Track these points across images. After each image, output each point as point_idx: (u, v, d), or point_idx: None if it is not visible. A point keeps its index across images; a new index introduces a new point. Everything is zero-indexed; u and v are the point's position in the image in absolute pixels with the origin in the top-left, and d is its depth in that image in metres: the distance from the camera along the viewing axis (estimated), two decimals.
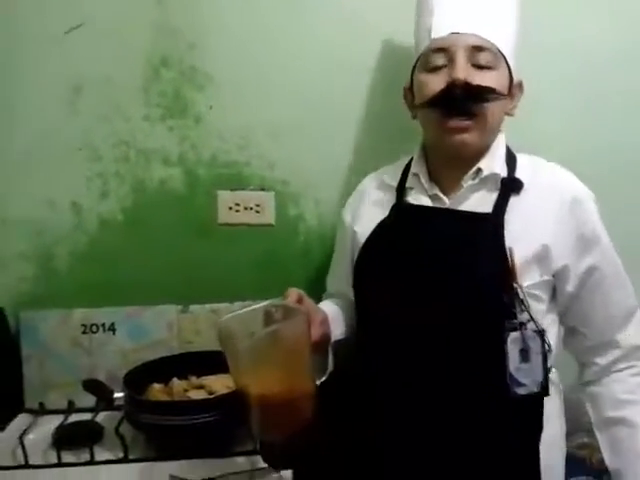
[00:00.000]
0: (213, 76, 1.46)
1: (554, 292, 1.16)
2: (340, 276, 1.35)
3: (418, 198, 1.20)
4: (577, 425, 1.34)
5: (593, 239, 1.14)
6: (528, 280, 1.10)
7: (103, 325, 1.52)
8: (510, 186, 1.14)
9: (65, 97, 1.46)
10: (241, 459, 1.25)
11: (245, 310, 1.08)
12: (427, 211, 1.18)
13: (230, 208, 1.51)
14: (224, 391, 1.34)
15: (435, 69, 1.13)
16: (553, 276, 1.13)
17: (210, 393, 1.35)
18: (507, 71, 1.15)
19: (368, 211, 1.27)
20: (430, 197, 1.19)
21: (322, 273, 1.46)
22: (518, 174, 1.15)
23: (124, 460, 1.27)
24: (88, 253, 1.52)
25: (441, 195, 1.17)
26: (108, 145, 1.48)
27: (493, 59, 1.12)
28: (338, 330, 1.28)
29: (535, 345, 1.09)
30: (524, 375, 1.09)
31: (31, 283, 1.53)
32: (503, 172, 1.15)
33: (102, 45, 1.45)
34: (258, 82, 1.47)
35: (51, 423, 1.38)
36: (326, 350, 1.21)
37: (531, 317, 1.08)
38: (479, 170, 1.15)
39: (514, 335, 1.08)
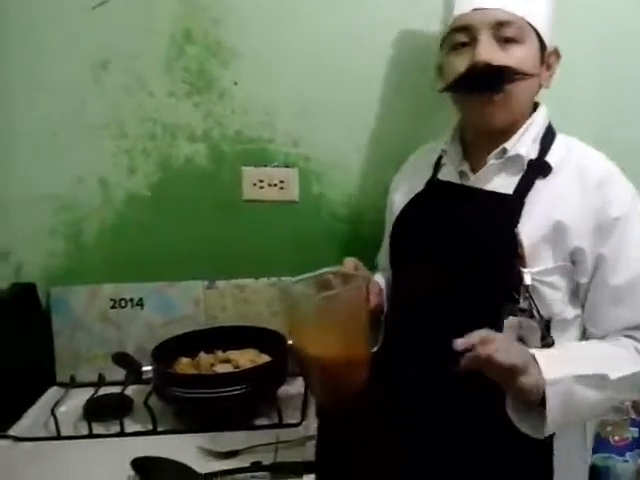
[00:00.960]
0: (238, 51, 1.46)
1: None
2: (385, 250, 1.35)
3: (448, 174, 1.20)
4: None
5: (612, 225, 1.07)
6: (541, 264, 1.06)
7: (131, 300, 1.54)
8: (537, 169, 1.10)
9: (92, 73, 1.47)
10: (266, 432, 1.28)
11: (305, 276, 1.11)
12: (451, 187, 1.17)
13: (254, 184, 1.52)
14: (249, 365, 1.37)
15: (458, 47, 1.10)
16: (573, 263, 1.08)
17: (236, 367, 1.37)
18: (538, 43, 1.10)
19: (407, 185, 1.28)
20: (459, 173, 1.18)
21: (345, 249, 1.47)
22: (550, 156, 1.11)
23: (153, 432, 1.30)
24: (116, 229, 1.54)
25: (468, 172, 1.16)
26: (134, 121, 1.49)
27: (520, 33, 1.07)
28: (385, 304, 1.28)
29: (533, 335, 1.05)
30: None
31: (61, 259, 1.56)
32: (532, 154, 1.11)
33: (128, 21, 1.45)
34: (283, 58, 1.46)
35: (82, 396, 1.41)
36: (379, 320, 1.22)
37: (533, 304, 1.04)
38: (504, 150, 1.11)
39: (512, 320, 1.04)
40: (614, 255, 1.07)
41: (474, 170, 1.15)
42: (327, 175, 1.52)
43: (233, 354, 1.43)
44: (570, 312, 1.10)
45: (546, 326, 1.06)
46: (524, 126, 1.13)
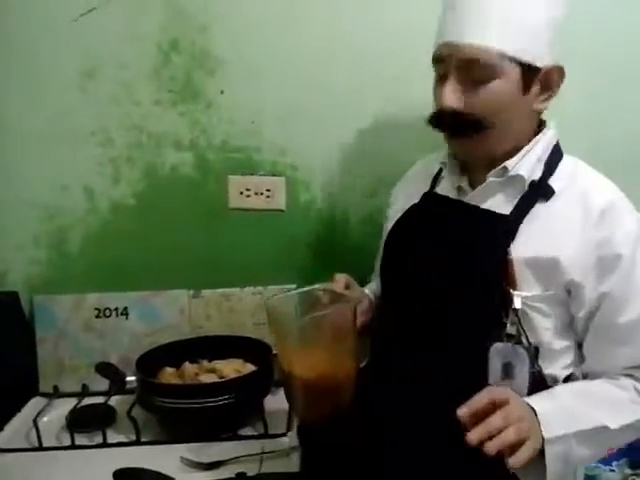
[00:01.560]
0: (224, 60, 1.46)
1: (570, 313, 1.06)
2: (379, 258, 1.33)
3: (446, 188, 1.17)
4: None
5: (616, 261, 1.01)
6: (532, 290, 1.02)
7: (116, 309, 1.53)
8: (538, 191, 1.05)
9: (77, 81, 1.46)
10: (251, 442, 1.26)
11: (293, 292, 1.13)
12: (447, 202, 1.15)
13: (241, 193, 1.51)
14: (234, 375, 1.36)
15: (438, 78, 1.07)
16: (569, 292, 1.03)
17: (221, 377, 1.36)
18: (519, 70, 1.01)
19: (404, 196, 1.26)
20: (457, 188, 1.14)
21: (331, 259, 1.46)
22: (554, 179, 1.06)
23: (136, 443, 1.28)
24: (101, 237, 1.53)
25: (466, 187, 1.13)
26: (120, 130, 1.49)
27: (491, 70, 1.00)
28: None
29: (521, 363, 1.01)
30: None
31: (45, 267, 1.54)
32: (535, 174, 1.06)
33: (114, 29, 1.45)
34: (269, 67, 1.46)
35: (65, 406, 1.40)
36: (365, 337, 1.21)
37: (521, 330, 1.01)
38: (505, 168, 1.06)
39: (498, 346, 1.01)
40: (618, 294, 1.02)
41: (473, 186, 1.12)
42: (314, 184, 1.52)
43: (218, 364, 1.42)
44: (560, 343, 1.06)
45: (535, 354, 1.02)
46: (527, 146, 1.07)
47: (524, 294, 1.01)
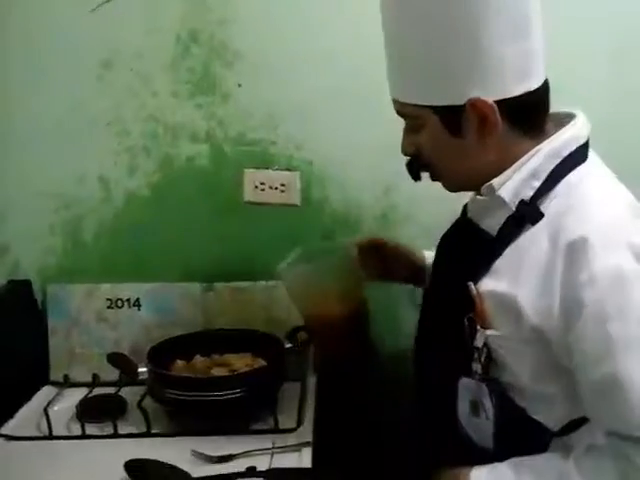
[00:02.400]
0: (242, 53, 1.45)
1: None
2: None
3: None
4: None
5: (579, 308, 0.84)
6: (500, 328, 0.92)
7: (128, 300, 1.53)
8: (525, 213, 0.93)
9: (95, 71, 1.46)
10: (262, 437, 1.26)
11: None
12: (461, 217, 1.09)
13: (256, 187, 1.51)
14: (246, 369, 1.35)
15: None
16: (540, 335, 0.89)
17: (232, 371, 1.36)
18: (437, 117, 0.94)
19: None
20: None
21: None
22: (550, 198, 0.92)
23: (147, 434, 1.28)
24: (115, 228, 1.53)
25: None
26: (137, 120, 1.49)
27: (417, 121, 0.97)
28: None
29: (487, 403, 0.93)
30: (473, 430, 0.97)
31: (58, 256, 1.55)
32: (525, 194, 0.92)
33: (132, 20, 1.44)
34: (287, 60, 1.45)
35: (75, 396, 1.40)
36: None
37: (483, 370, 0.93)
38: (491, 187, 0.95)
39: (465, 381, 0.96)
40: (587, 346, 0.85)
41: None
42: (329, 180, 1.51)
43: (229, 357, 1.41)
44: (549, 387, 0.93)
45: (503, 395, 0.94)
46: (516, 164, 0.94)
47: (490, 332, 0.92)
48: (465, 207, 1.08)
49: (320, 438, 1.24)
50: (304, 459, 1.18)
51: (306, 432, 1.27)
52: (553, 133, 0.95)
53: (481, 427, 0.95)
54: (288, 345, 1.43)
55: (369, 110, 1.46)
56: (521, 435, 0.95)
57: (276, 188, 1.51)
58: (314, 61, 1.45)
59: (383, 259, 1.25)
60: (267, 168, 1.51)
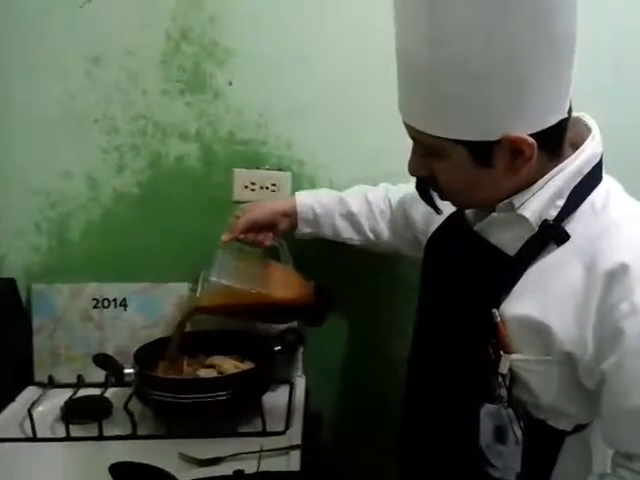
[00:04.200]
0: (233, 52, 1.43)
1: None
2: (417, 210, 1.24)
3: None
4: None
5: (618, 337, 0.82)
6: (526, 352, 0.90)
7: (114, 300, 1.51)
8: (549, 234, 0.89)
9: (83, 68, 1.44)
10: (250, 439, 1.25)
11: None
12: (464, 227, 1.02)
13: (246, 187, 1.49)
14: (233, 371, 1.34)
15: None
16: (569, 359, 0.87)
17: (219, 372, 1.35)
18: (465, 150, 0.87)
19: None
20: (474, 212, 1.02)
21: (334, 255, 1.45)
22: (575, 218, 0.89)
23: (132, 436, 1.27)
24: (102, 226, 1.51)
25: (473, 216, 1.01)
26: (125, 118, 1.46)
27: (435, 150, 0.89)
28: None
29: (516, 428, 0.91)
30: (497, 457, 0.94)
31: (44, 255, 1.52)
32: (549, 213, 0.89)
33: (122, 16, 1.42)
34: (279, 60, 1.44)
35: (60, 397, 1.38)
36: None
37: (508, 395, 0.91)
38: (511, 204, 0.91)
39: (489, 407, 0.93)
40: (622, 374, 0.84)
41: (482, 215, 0.98)
42: (320, 180, 1.50)
43: (217, 359, 1.40)
44: (568, 403, 0.93)
45: (527, 419, 0.93)
46: (538, 183, 0.89)
47: (515, 357, 0.90)
48: (460, 212, 1.04)
49: (309, 441, 1.22)
50: (292, 462, 1.17)
51: (295, 435, 1.26)
52: (567, 147, 0.91)
53: (507, 453, 0.93)
54: (277, 347, 1.42)
55: (361, 109, 1.46)
56: (538, 443, 0.94)
57: (267, 188, 1.50)
58: (306, 60, 1.44)
59: (259, 230, 1.33)
60: (257, 168, 1.49)
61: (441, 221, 1.09)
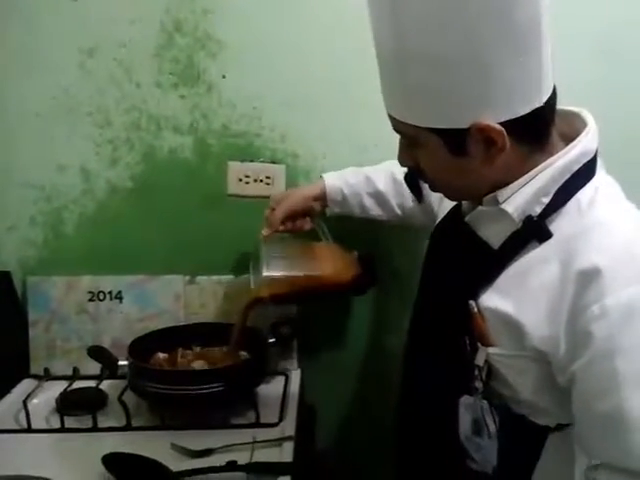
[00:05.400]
0: (227, 43, 1.43)
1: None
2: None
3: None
4: None
5: (587, 340, 0.81)
6: (503, 346, 0.89)
7: (110, 293, 1.51)
8: (532, 230, 0.88)
9: (77, 60, 1.44)
10: (243, 431, 1.25)
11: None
12: (458, 221, 1.01)
13: (240, 180, 1.49)
14: (228, 363, 1.34)
15: None
16: (543, 356, 0.87)
17: (214, 364, 1.35)
18: (438, 138, 0.87)
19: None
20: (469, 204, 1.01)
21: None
22: (561, 215, 0.88)
23: (127, 428, 1.27)
24: (96, 219, 1.51)
25: (468, 207, 1.00)
26: (119, 111, 1.46)
27: (414, 140, 0.90)
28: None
29: (490, 421, 0.91)
30: (475, 449, 0.94)
31: (39, 248, 1.53)
32: (533, 209, 0.88)
33: (116, 8, 1.42)
34: (272, 52, 1.44)
35: (55, 389, 1.39)
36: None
37: (485, 387, 0.91)
38: (496, 198, 0.90)
39: (467, 399, 0.92)
40: (591, 377, 0.83)
41: (475, 207, 0.97)
42: (314, 173, 1.49)
43: (211, 351, 1.41)
44: (547, 399, 0.92)
45: (507, 411, 0.93)
46: (522, 179, 0.89)
47: (492, 350, 0.90)
48: (459, 204, 1.04)
49: (303, 433, 1.23)
50: (285, 454, 1.17)
51: (288, 426, 1.27)
52: (558, 141, 0.90)
53: (484, 446, 0.93)
54: (271, 339, 1.43)
55: (354, 102, 1.45)
56: (520, 438, 0.94)
57: (261, 181, 1.50)
58: (300, 52, 1.44)
59: (295, 217, 1.36)
60: (252, 161, 1.49)
61: (447, 210, 1.09)
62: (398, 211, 1.36)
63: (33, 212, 1.51)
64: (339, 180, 1.36)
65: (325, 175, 1.37)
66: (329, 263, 1.33)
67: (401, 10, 0.81)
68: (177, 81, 1.46)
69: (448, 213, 1.07)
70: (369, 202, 1.36)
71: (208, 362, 1.37)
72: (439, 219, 1.12)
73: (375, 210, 1.37)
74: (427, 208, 1.29)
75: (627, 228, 0.86)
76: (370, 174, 1.36)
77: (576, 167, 0.88)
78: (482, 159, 0.87)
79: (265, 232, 1.33)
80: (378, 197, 1.35)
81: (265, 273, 1.27)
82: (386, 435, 1.18)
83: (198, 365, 1.35)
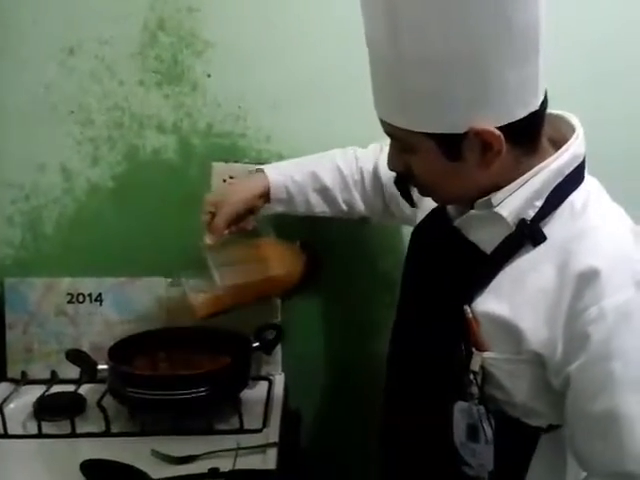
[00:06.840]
0: (212, 43, 1.41)
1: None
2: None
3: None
4: None
5: (584, 342, 0.82)
6: (498, 351, 0.89)
7: (90, 295, 1.48)
8: (526, 234, 0.88)
9: (59, 57, 1.41)
10: (226, 437, 1.23)
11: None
12: (446, 222, 1.00)
13: (224, 181, 1.47)
14: (210, 367, 1.32)
15: None
16: (540, 358, 0.87)
17: (196, 369, 1.33)
18: (433, 143, 0.86)
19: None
20: (455, 208, 1.00)
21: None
22: (554, 218, 0.88)
23: (106, 434, 1.25)
24: (76, 220, 1.49)
25: (455, 211, 0.99)
26: (101, 109, 1.44)
27: (407, 144, 0.89)
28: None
29: (487, 426, 0.91)
30: (471, 454, 0.93)
31: (17, 249, 1.50)
32: (527, 213, 0.88)
33: (99, 5, 1.40)
34: (258, 51, 1.42)
35: (32, 393, 1.36)
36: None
37: (481, 393, 0.90)
38: (489, 202, 0.90)
39: (462, 405, 0.92)
40: (587, 379, 0.84)
41: (463, 211, 0.96)
42: None
43: (194, 355, 1.39)
44: (541, 402, 0.92)
45: (502, 415, 0.92)
46: (516, 182, 0.88)
47: (487, 355, 0.89)
48: (442, 207, 1.02)
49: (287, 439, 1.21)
50: (269, 460, 1.15)
51: (272, 433, 1.25)
52: (547, 145, 0.90)
53: (480, 451, 0.92)
54: (255, 343, 1.41)
55: (340, 102, 1.44)
56: (513, 440, 0.94)
57: None
58: (285, 52, 1.42)
59: (241, 217, 1.27)
60: (236, 161, 1.47)
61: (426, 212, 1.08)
62: (344, 207, 1.31)
63: (11, 212, 1.48)
64: (282, 176, 1.28)
65: (266, 169, 1.29)
66: (278, 262, 1.31)
67: (398, 14, 0.80)
68: (161, 80, 1.43)
69: (427, 215, 1.06)
70: (315, 199, 1.29)
71: (190, 367, 1.34)
72: (418, 220, 1.10)
73: (320, 207, 1.31)
74: (376, 204, 1.30)
75: (622, 231, 0.88)
76: (315, 168, 1.29)
77: (567, 171, 0.89)
78: (477, 163, 0.86)
79: (209, 240, 1.25)
80: (324, 193, 1.29)
81: (219, 284, 1.26)
82: (372, 440, 1.16)
83: (180, 370, 1.33)
